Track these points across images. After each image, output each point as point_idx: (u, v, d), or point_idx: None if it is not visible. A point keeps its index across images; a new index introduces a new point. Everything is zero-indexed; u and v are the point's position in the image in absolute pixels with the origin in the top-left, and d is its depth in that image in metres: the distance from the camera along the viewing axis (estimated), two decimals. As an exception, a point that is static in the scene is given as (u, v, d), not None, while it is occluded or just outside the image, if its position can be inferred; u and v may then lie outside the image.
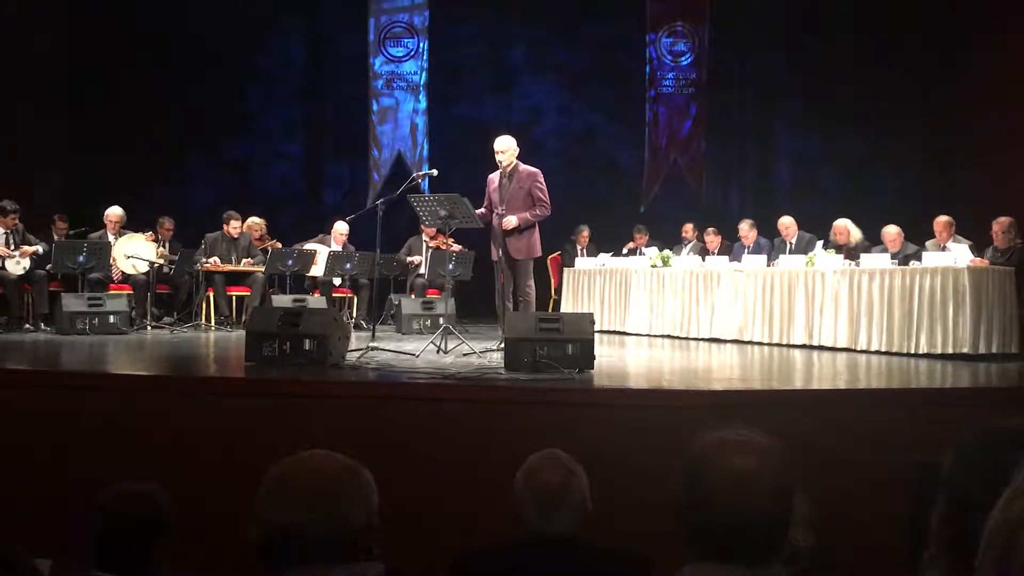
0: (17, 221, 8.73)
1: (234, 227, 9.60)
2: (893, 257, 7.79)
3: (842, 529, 3.70)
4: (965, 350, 6.67)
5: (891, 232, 8.24)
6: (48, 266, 8.67)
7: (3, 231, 8.66)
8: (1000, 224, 7.82)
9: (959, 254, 7.15)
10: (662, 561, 2.10)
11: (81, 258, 8.43)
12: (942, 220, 8.08)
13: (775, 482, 1.58)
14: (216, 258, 9.31)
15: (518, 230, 6.69)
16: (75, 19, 11.72)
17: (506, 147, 6.78)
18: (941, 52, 11.30)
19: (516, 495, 2.40)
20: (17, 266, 8.53)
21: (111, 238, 9.18)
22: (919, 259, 7.45)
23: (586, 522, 2.40)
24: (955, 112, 11.27)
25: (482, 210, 6.87)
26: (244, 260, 9.47)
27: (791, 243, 9.21)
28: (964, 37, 11.15)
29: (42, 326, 8.44)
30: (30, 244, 8.72)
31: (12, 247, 8.60)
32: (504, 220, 6.64)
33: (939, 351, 6.77)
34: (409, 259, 10.23)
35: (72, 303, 7.99)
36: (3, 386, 5.07)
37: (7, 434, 4.70)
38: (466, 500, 4.19)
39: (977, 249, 7.68)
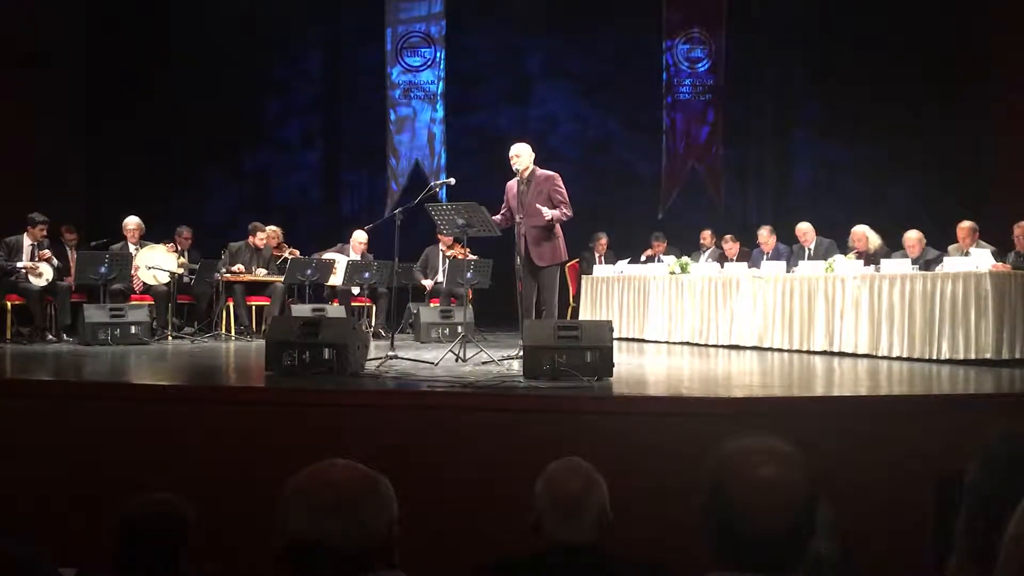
0: (45, 233, 8.83)
1: (260, 238, 9.69)
2: (914, 262, 7.73)
3: (865, 538, 3.67)
4: (988, 356, 6.60)
5: (912, 237, 8.17)
6: (68, 278, 8.75)
7: (30, 242, 8.76)
8: (1022, 228, 7.75)
9: (981, 259, 7.09)
10: (683, 569, 2.09)
11: (103, 269, 8.51)
12: (965, 226, 8.01)
13: (799, 491, 1.57)
14: (241, 264, 9.39)
15: (538, 235, 6.67)
16: (93, 30, 11.83)
17: (520, 153, 6.76)
18: (961, 55, 11.23)
19: (536, 503, 2.39)
20: (40, 278, 8.61)
21: (131, 248, 9.26)
22: (940, 264, 7.39)
23: (606, 530, 2.39)
24: (975, 116, 11.19)
25: (499, 216, 6.86)
26: (259, 270, 9.54)
27: (809, 249, 9.16)
28: (984, 40, 11.07)
29: (64, 337, 8.52)
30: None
31: (36, 259, 8.69)
32: (542, 213, 6.61)
33: (961, 357, 6.71)
34: (424, 282, 10.23)
35: (94, 314, 8.05)
36: (26, 397, 5.11)
37: (31, 444, 4.74)
38: (486, 509, 4.18)
39: (999, 254, 7.62)
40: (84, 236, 9.96)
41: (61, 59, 11.26)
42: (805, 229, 9.32)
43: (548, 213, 6.59)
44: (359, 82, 12.80)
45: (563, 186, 6.77)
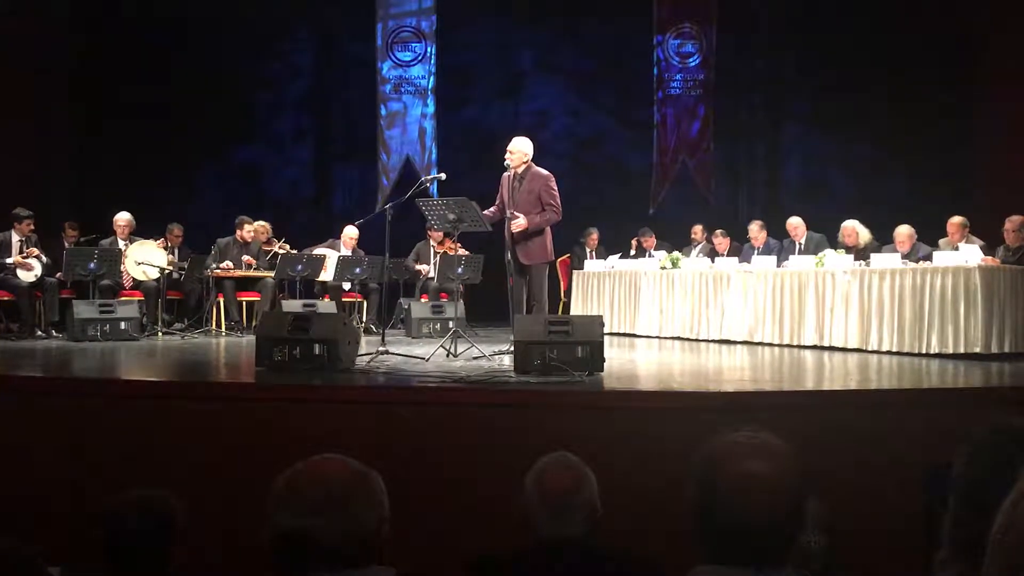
0: (32, 228, 8.78)
1: (247, 231, 9.66)
2: (905, 258, 7.75)
3: (854, 531, 3.69)
4: (977, 350, 6.63)
5: (902, 232, 8.18)
6: (58, 273, 8.72)
7: (18, 238, 8.72)
8: (1012, 223, 7.77)
9: (970, 253, 7.12)
10: (672, 563, 2.09)
11: (92, 265, 8.47)
12: (956, 221, 8.04)
13: (787, 485, 1.57)
14: (229, 262, 9.37)
15: (525, 234, 6.66)
16: (83, 26, 11.77)
17: (514, 149, 6.73)
18: (951, 51, 11.26)
19: (526, 498, 2.39)
20: (29, 273, 8.58)
21: (121, 244, 9.23)
22: (930, 260, 7.41)
23: (596, 524, 2.39)
24: (965, 111, 11.23)
25: (491, 210, 6.82)
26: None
27: (800, 244, 9.18)
28: (975, 35, 11.10)
29: (53, 333, 8.48)
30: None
31: (24, 255, 8.65)
32: (513, 222, 6.61)
33: (951, 351, 6.73)
34: (418, 267, 10.23)
35: (83, 310, 8.02)
36: (15, 393, 5.09)
37: (19, 440, 4.72)
38: (476, 503, 4.18)
39: (988, 248, 7.65)
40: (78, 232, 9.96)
41: (51, 56, 11.20)
42: (796, 224, 9.34)
43: (521, 222, 6.56)
44: (350, 77, 12.77)
45: (556, 188, 6.72)
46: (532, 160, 6.80)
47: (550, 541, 2.35)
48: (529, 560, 2.37)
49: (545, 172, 6.77)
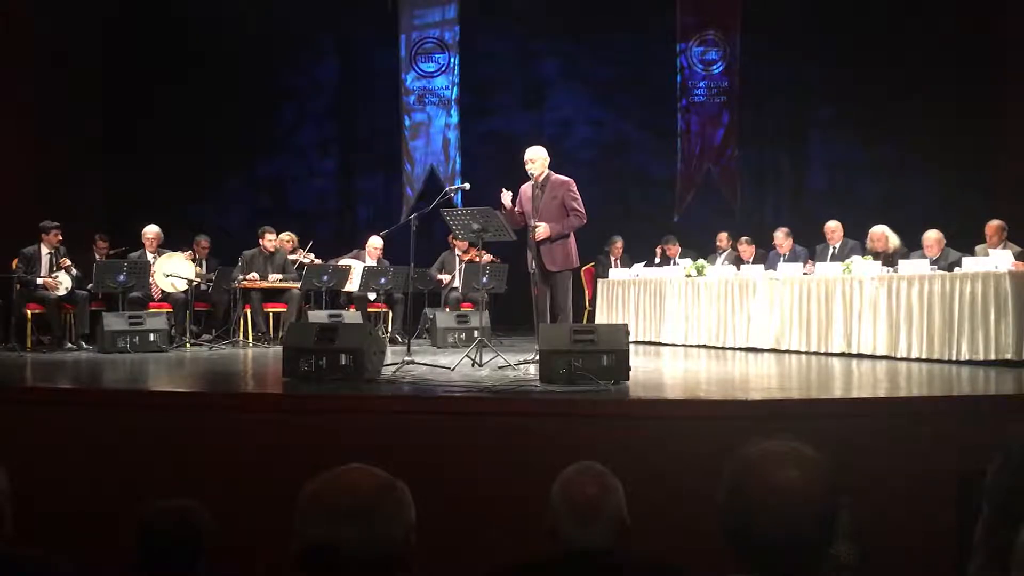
0: (60, 239, 8.88)
1: (269, 240, 9.73)
2: (933, 263, 7.66)
3: (886, 540, 3.64)
4: (1008, 356, 6.53)
5: (931, 237, 8.08)
6: (89, 286, 8.83)
7: (47, 250, 8.83)
8: (1043, 227, 7.69)
9: (1000, 259, 7.03)
10: (701, 573, 2.08)
11: (121, 277, 8.57)
12: (994, 224, 7.94)
13: (820, 494, 1.55)
14: (255, 274, 9.44)
15: (550, 240, 6.66)
16: (111, 38, 11.93)
17: (535, 156, 6.75)
18: (978, 53, 11.15)
19: (552, 508, 2.38)
20: (59, 289, 8.68)
21: (150, 257, 9.32)
22: (959, 266, 7.33)
23: (623, 535, 2.38)
24: (993, 114, 11.10)
25: (514, 209, 6.82)
26: (277, 276, 9.59)
27: (834, 248, 9.09)
28: (1001, 36, 10.99)
29: (83, 345, 8.58)
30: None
31: (55, 266, 8.76)
32: (537, 231, 6.62)
33: (981, 358, 6.65)
34: (439, 277, 10.26)
35: (113, 322, 8.11)
36: (46, 404, 5.15)
37: (49, 452, 4.77)
38: (502, 514, 4.18)
39: (1021, 254, 7.55)
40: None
41: (78, 69, 11.34)
42: (834, 227, 9.23)
43: (543, 229, 6.58)
44: (374, 88, 12.84)
45: (577, 192, 6.74)
46: (554, 168, 6.84)
47: (577, 551, 2.34)
48: (555, 570, 2.36)
49: (565, 178, 6.80)
